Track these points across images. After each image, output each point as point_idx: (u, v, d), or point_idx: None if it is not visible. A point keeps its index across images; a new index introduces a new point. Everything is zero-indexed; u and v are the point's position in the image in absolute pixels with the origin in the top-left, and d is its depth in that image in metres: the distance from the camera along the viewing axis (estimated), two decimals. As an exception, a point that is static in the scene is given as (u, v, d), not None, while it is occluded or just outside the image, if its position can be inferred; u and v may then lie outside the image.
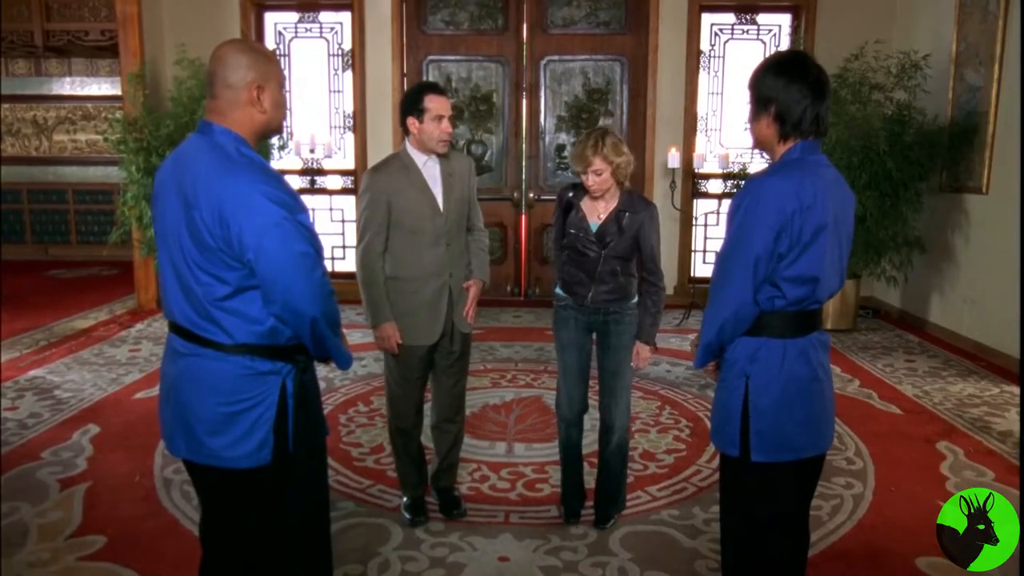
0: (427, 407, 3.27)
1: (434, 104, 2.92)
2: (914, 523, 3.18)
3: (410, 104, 2.96)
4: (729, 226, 2.03)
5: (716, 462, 3.54)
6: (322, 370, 4.97)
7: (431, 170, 3.03)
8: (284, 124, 2.04)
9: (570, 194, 3.10)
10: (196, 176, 1.80)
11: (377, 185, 2.98)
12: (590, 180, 2.94)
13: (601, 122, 7.41)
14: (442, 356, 3.15)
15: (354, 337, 5.66)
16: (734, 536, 2.21)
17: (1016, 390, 4.88)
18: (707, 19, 7.26)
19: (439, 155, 3.04)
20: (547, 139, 7.46)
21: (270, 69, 1.91)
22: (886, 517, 3.25)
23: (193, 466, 1.97)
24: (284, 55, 7.44)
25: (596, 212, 3.04)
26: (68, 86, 10.10)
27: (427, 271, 3.02)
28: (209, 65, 1.90)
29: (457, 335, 3.13)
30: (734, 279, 2.00)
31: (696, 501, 3.38)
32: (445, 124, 2.95)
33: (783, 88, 1.98)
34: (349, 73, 7.40)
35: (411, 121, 2.96)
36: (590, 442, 3.98)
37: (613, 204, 3.02)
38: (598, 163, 2.90)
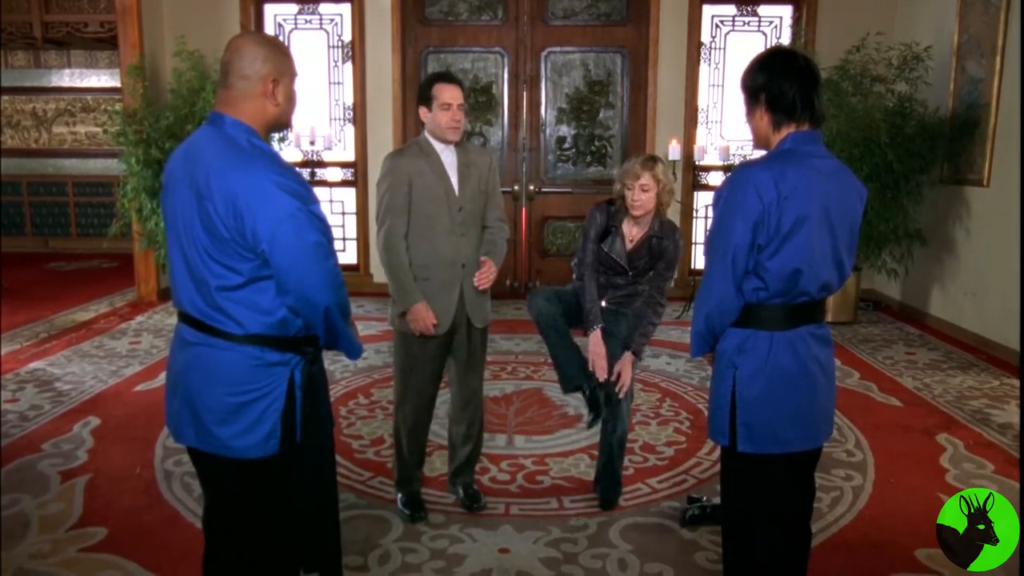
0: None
1: (442, 92, 2.96)
2: (914, 515, 3.18)
3: (421, 94, 3.03)
4: (713, 217, 2.05)
5: (716, 454, 3.55)
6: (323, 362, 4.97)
7: (448, 158, 3.05)
8: (293, 119, 2.05)
9: (608, 216, 3.13)
10: (208, 167, 1.80)
11: (399, 167, 3.00)
12: (636, 195, 3.01)
13: (602, 114, 7.40)
14: (458, 352, 3.15)
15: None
16: (731, 528, 2.22)
17: (1016, 382, 4.88)
18: (708, 11, 7.24)
19: (456, 145, 3.06)
20: (547, 131, 7.45)
21: (286, 64, 1.92)
22: (886, 509, 3.25)
23: (199, 455, 1.97)
24: (284, 47, 7.42)
25: (630, 236, 3.13)
26: (67, 78, 10.07)
27: (440, 259, 3.02)
28: (225, 55, 1.90)
29: (474, 330, 3.13)
30: (715, 271, 2.01)
31: (696, 493, 3.38)
32: (454, 111, 2.97)
33: (771, 77, 1.99)
34: (349, 65, 7.38)
35: (423, 111, 3.02)
36: (591, 434, 3.97)
37: (645, 230, 3.11)
38: (646, 178, 3.00)
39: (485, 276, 3.07)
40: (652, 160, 3.04)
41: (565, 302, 3.21)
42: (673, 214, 7.14)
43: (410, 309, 2.99)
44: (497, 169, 3.22)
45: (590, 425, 3.28)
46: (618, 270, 3.16)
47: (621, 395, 3.14)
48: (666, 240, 3.10)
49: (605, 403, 3.16)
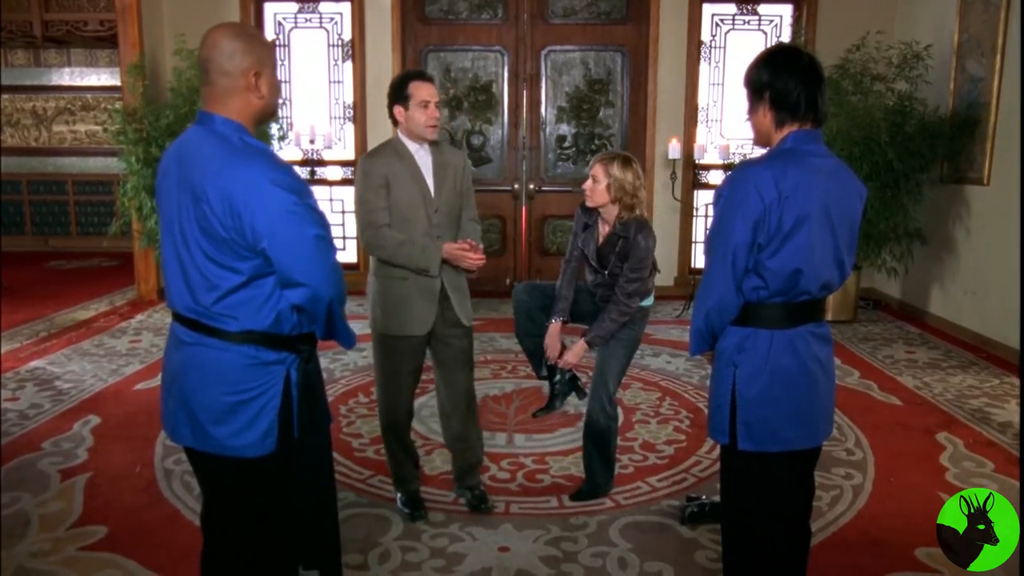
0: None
1: (419, 90, 2.93)
2: (914, 514, 3.18)
3: (395, 93, 2.99)
4: (713, 216, 2.05)
5: (716, 453, 3.55)
6: (323, 361, 4.95)
7: (423, 159, 3.03)
8: (279, 108, 2.04)
9: (587, 213, 3.25)
10: (203, 169, 1.79)
11: (375, 169, 2.98)
12: (587, 184, 3.16)
13: (602, 112, 7.40)
14: (439, 353, 3.14)
15: (354, 328, 5.65)
16: (731, 526, 2.22)
17: (1016, 381, 4.88)
18: (708, 9, 7.23)
19: (431, 144, 3.04)
20: (547, 130, 7.44)
21: (265, 54, 1.90)
22: (886, 507, 3.25)
23: (196, 454, 1.97)
24: (284, 45, 7.42)
25: (602, 232, 3.21)
26: (67, 77, 10.07)
27: None
28: (202, 51, 1.87)
29: (459, 329, 3.11)
30: (715, 270, 2.01)
31: (696, 492, 3.38)
32: (431, 109, 2.95)
33: (776, 74, 1.99)
34: (349, 63, 7.38)
35: (398, 110, 2.98)
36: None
37: (611, 227, 3.16)
38: (596, 169, 3.13)
39: (474, 253, 2.98)
40: (615, 157, 3.12)
41: (546, 296, 3.32)
42: (672, 213, 7.16)
43: (447, 257, 2.95)
44: (470, 170, 3.22)
45: (535, 414, 3.50)
46: (593, 267, 3.24)
47: (552, 362, 3.27)
48: (630, 239, 3.10)
49: (577, 394, 3.35)
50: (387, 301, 3.02)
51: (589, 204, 3.16)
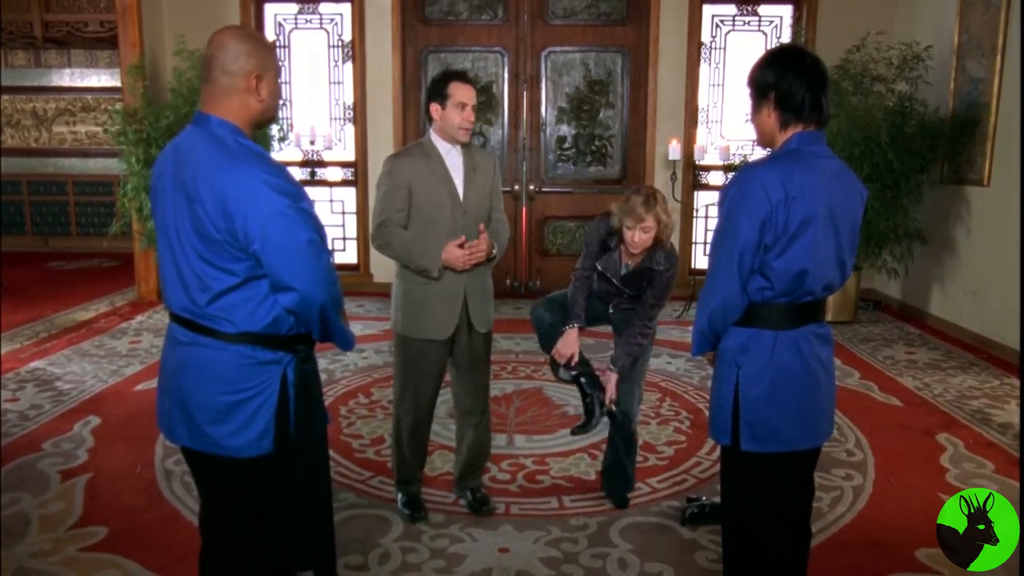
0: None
1: (458, 91, 2.92)
2: (914, 515, 3.18)
3: (434, 90, 2.97)
4: (719, 216, 2.05)
5: (716, 453, 3.55)
6: (323, 362, 4.96)
7: (454, 160, 3.01)
8: (278, 114, 2.03)
9: (610, 233, 3.09)
10: (196, 169, 1.80)
11: (398, 170, 2.96)
12: (636, 236, 2.94)
13: (602, 113, 7.40)
14: (459, 356, 3.13)
15: (354, 329, 5.65)
16: (731, 527, 2.22)
17: (1016, 382, 4.88)
18: (708, 10, 7.24)
19: (463, 146, 3.03)
20: (548, 131, 7.44)
21: (269, 58, 1.90)
22: (886, 509, 3.25)
23: (193, 454, 1.97)
24: (284, 46, 7.42)
25: (627, 260, 3.09)
26: (68, 77, 10.08)
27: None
28: (208, 49, 1.88)
29: (476, 334, 3.10)
30: (721, 270, 2.01)
31: (696, 493, 3.38)
32: (468, 112, 2.94)
33: (781, 75, 1.99)
34: (349, 64, 7.39)
35: (434, 107, 2.97)
36: (592, 433, 3.97)
37: (642, 259, 3.05)
38: (650, 220, 2.93)
39: (476, 246, 2.94)
40: (653, 199, 2.96)
41: (564, 308, 3.23)
42: (672, 214, 7.14)
43: (445, 262, 2.91)
44: (499, 172, 3.20)
45: (574, 431, 3.30)
46: (613, 290, 3.16)
47: (608, 406, 3.18)
48: (662, 270, 3.04)
49: (605, 416, 3.21)
50: (408, 303, 3.01)
51: (636, 251, 3.00)
